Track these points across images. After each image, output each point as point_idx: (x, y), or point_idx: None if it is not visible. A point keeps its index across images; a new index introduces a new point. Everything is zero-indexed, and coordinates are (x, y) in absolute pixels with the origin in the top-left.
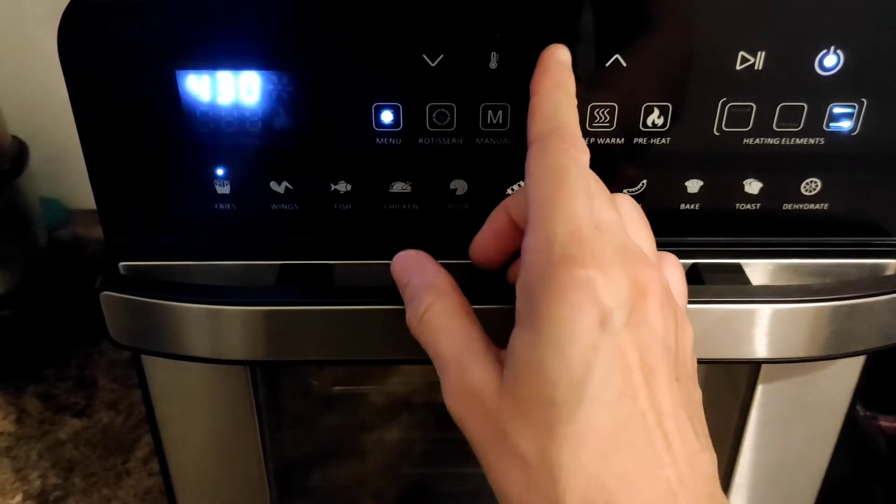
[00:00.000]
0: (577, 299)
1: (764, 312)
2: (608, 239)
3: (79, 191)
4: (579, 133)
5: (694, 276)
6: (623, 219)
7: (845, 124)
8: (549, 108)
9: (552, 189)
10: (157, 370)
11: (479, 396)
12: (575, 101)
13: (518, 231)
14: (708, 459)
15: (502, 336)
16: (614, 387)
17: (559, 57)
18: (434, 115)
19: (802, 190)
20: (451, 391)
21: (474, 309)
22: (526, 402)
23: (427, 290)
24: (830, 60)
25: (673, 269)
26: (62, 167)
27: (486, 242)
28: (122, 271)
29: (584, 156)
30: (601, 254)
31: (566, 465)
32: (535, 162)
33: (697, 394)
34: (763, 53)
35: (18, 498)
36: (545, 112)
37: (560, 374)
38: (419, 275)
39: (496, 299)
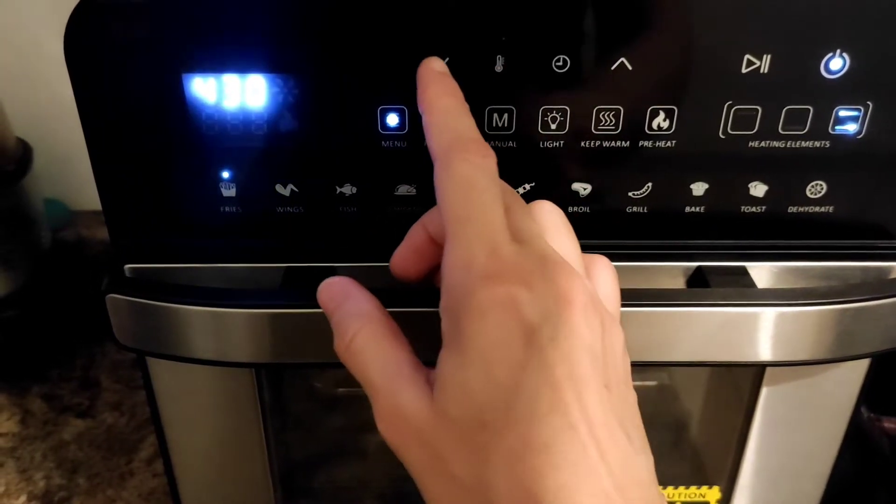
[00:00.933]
0: (500, 318)
1: (769, 315)
2: (527, 251)
3: (82, 192)
4: (479, 136)
5: (699, 279)
6: (544, 225)
7: (851, 127)
8: (441, 119)
9: (462, 205)
10: (163, 372)
11: (410, 420)
12: (466, 106)
13: (436, 246)
14: (643, 463)
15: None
16: (544, 403)
17: (435, 67)
18: None
19: (808, 193)
20: (382, 417)
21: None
22: (457, 424)
23: (353, 316)
24: (836, 63)
25: (603, 271)
26: (66, 168)
27: (405, 258)
28: (127, 273)
29: (489, 160)
30: (521, 268)
31: (501, 485)
32: (440, 179)
33: (632, 396)
34: (769, 56)
35: (23, 499)
36: (438, 125)
37: (489, 395)
38: (346, 302)
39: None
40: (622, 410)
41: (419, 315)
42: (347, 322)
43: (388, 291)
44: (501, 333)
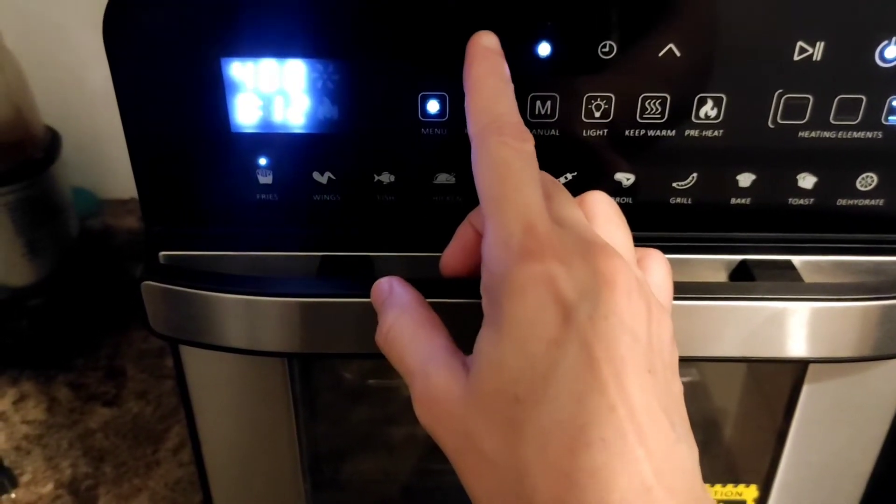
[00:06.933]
0: (537, 295)
1: (815, 310)
2: (566, 232)
3: (110, 180)
4: (518, 120)
5: (743, 273)
6: (593, 214)
7: None
8: (481, 100)
9: (498, 185)
10: (194, 361)
11: (444, 403)
12: (510, 87)
13: None
14: (686, 452)
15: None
16: (580, 381)
17: (484, 43)
18: None
19: (858, 185)
20: (418, 401)
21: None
22: (490, 401)
23: (391, 308)
24: (892, 52)
25: (657, 265)
26: (94, 157)
27: (454, 256)
28: (161, 261)
29: (527, 144)
30: (560, 246)
31: (533, 464)
32: (476, 160)
33: (677, 385)
34: (822, 44)
35: (50, 486)
36: (478, 105)
37: (523, 371)
38: (389, 297)
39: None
40: (666, 398)
41: (461, 305)
42: (385, 314)
43: (428, 282)
44: (538, 310)
